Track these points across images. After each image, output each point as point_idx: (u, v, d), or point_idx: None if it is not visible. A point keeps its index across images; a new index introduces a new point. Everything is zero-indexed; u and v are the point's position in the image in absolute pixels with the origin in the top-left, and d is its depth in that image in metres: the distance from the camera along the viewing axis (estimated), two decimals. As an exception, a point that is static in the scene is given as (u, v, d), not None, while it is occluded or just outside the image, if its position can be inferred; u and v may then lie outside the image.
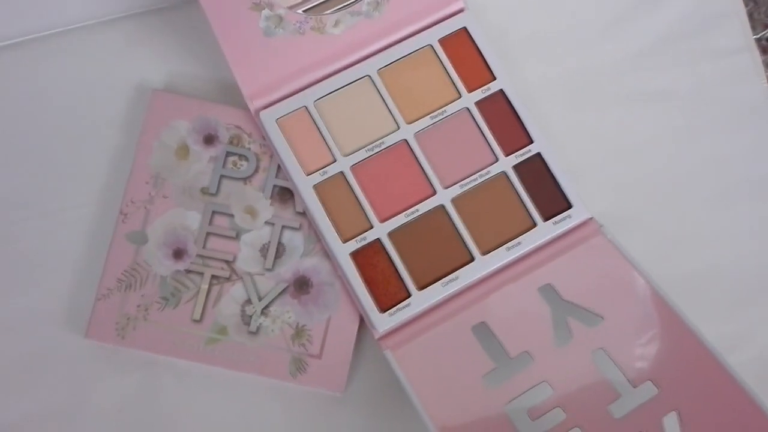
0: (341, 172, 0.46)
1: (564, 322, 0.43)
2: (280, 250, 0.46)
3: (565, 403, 0.40)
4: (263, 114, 0.46)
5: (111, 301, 0.44)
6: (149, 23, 0.49)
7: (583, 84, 0.50)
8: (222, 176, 0.46)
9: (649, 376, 0.41)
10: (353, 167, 0.46)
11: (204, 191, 0.46)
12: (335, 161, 0.46)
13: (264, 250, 0.46)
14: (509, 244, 0.45)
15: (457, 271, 0.45)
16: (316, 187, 0.45)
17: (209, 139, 0.47)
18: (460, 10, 0.48)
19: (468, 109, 0.47)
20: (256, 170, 0.47)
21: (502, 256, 0.45)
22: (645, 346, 0.42)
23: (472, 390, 0.41)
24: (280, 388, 0.45)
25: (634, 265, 0.44)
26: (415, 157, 0.46)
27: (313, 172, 0.45)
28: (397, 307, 0.44)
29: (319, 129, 0.46)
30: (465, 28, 0.48)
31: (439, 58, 0.48)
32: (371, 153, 0.46)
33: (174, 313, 0.45)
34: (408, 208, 0.45)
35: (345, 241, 0.45)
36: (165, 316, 0.44)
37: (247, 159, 0.47)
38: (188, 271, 0.45)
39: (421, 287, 0.44)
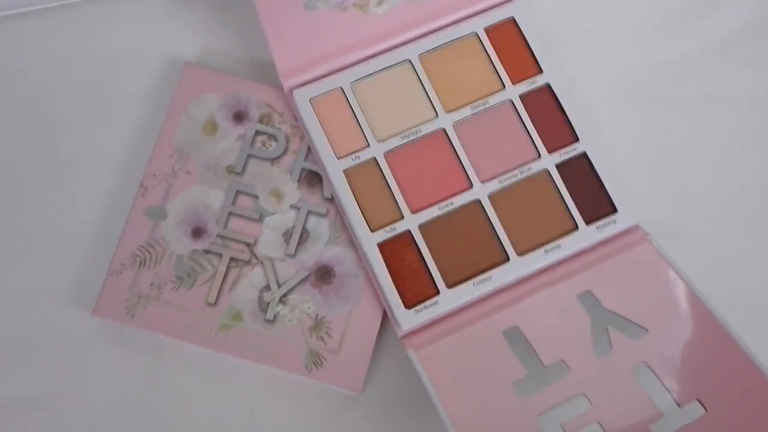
0: (374, 158, 0.43)
1: (604, 332, 0.40)
2: (304, 236, 0.43)
3: (604, 418, 0.37)
4: (297, 92, 0.44)
5: (123, 278, 0.42)
6: (186, -4, 0.48)
7: (635, 86, 0.48)
8: (249, 155, 0.44)
9: (695, 395, 0.37)
10: (387, 154, 0.43)
11: (229, 169, 0.44)
12: (368, 146, 0.43)
13: (287, 234, 0.43)
14: (548, 246, 0.42)
15: (491, 271, 0.42)
16: (346, 171, 0.43)
17: (239, 116, 0.45)
18: (509, 0, 0.46)
19: (511, 101, 0.45)
20: (285, 152, 0.44)
21: (539, 259, 0.42)
22: (692, 363, 0.38)
23: (501, 397, 0.38)
24: (294, 383, 0.42)
25: (682, 277, 0.41)
26: (453, 148, 0.44)
27: (345, 156, 0.43)
28: (423, 304, 0.41)
29: (353, 112, 0.44)
30: (513, 18, 0.46)
31: (483, 47, 0.45)
32: (407, 140, 0.44)
33: (188, 294, 0.42)
34: (442, 201, 0.43)
35: (373, 230, 0.42)
36: (178, 297, 0.42)
37: (276, 139, 0.45)
38: (206, 252, 0.43)
39: (451, 285, 0.41)
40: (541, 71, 0.45)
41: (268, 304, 0.42)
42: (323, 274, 0.43)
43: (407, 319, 0.41)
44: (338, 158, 0.43)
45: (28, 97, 0.46)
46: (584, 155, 0.44)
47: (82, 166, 0.45)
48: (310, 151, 0.44)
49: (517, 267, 0.42)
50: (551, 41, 0.47)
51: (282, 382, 0.42)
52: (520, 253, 0.42)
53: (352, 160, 0.43)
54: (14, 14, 0.47)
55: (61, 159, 0.45)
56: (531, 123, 0.44)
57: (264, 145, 0.44)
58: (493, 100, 0.44)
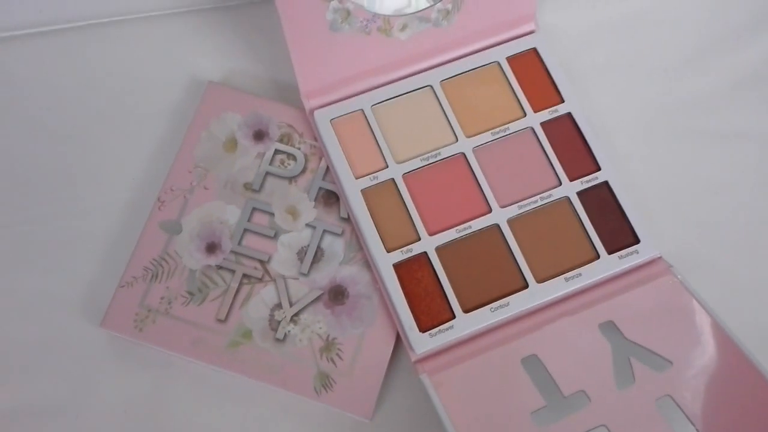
0: (392, 179, 0.43)
1: (626, 363, 0.38)
2: (319, 255, 0.42)
3: (626, 452, 0.35)
4: (318, 113, 0.44)
5: (134, 290, 0.41)
6: (213, 19, 0.49)
7: (656, 119, 0.47)
8: (267, 173, 0.44)
9: (722, 430, 0.35)
10: (405, 175, 0.43)
11: (247, 186, 0.44)
12: (387, 167, 0.43)
13: (302, 253, 0.42)
14: (568, 275, 0.41)
15: (509, 297, 0.40)
16: (364, 191, 0.43)
17: (259, 135, 0.45)
18: (531, 32, 0.47)
19: (532, 128, 0.44)
20: (304, 171, 0.44)
21: (559, 287, 0.41)
22: (717, 396, 0.37)
23: (518, 427, 0.36)
24: (302, 406, 0.41)
25: (707, 309, 0.39)
26: (472, 172, 0.43)
27: (363, 176, 0.43)
28: (438, 328, 0.40)
29: (373, 133, 0.44)
30: (535, 49, 0.46)
31: (505, 75, 0.46)
32: (426, 163, 0.43)
33: (198, 309, 0.41)
34: (460, 224, 0.42)
35: (389, 250, 0.41)
36: (188, 312, 0.41)
37: (295, 159, 0.44)
38: (219, 267, 0.42)
39: (467, 310, 0.40)
40: (562, 100, 0.45)
41: (279, 322, 0.41)
42: (336, 294, 0.42)
43: (421, 342, 0.39)
44: (356, 178, 0.43)
45: (53, 110, 0.47)
46: (606, 184, 0.43)
47: (100, 178, 0.45)
48: (328, 171, 0.44)
49: (537, 294, 0.41)
50: (572, 73, 0.47)
51: (290, 404, 0.41)
52: (539, 281, 0.41)
53: (370, 180, 0.43)
54: (46, 31, 0.48)
55: (80, 171, 0.46)
56: (552, 150, 0.44)
57: (283, 163, 0.44)
58: (514, 126, 0.44)
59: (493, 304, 0.40)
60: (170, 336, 0.41)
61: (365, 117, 0.44)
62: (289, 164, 0.44)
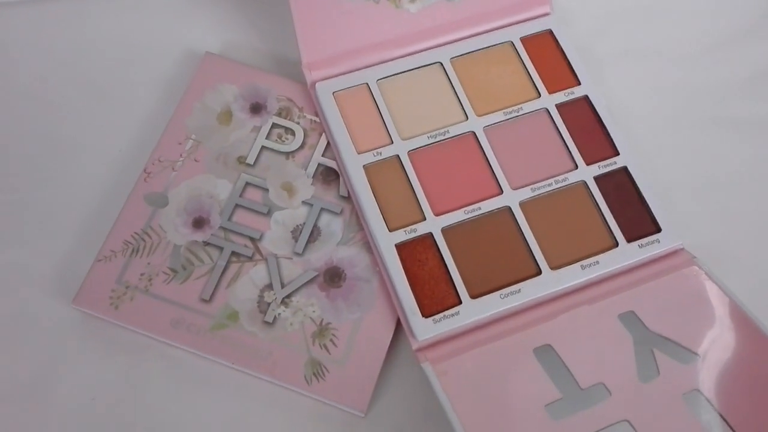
0: (397, 156, 0.40)
1: (649, 355, 0.35)
2: (315, 234, 0.39)
3: (652, 450, 0.31)
4: (320, 85, 0.41)
5: (111, 265, 0.38)
6: (214, -9, 0.47)
7: (677, 106, 0.45)
8: (263, 147, 0.41)
9: (754, 425, 0.32)
10: (411, 153, 0.40)
11: (240, 160, 0.41)
12: (392, 143, 0.40)
13: (296, 231, 0.39)
14: (585, 262, 0.38)
15: (520, 284, 0.37)
16: (366, 167, 0.40)
17: (256, 108, 0.42)
18: (546, 14, 0.45)
19: (547, 110, 0.42)
20: (302, 146, 0.41)
21: (575, 275, 0.37)
22: (748, 390, 0.33)
23: (532, 420, 0.33)
24: (290, 397, 0.37)
25: (736, 300, 0.36)
26: (483, 152, 0.40)
27: (366, 152, 0.40)
28: (443, 314, 0.36)
29: (378, 108, 0.41)
30: (550, 31, 0.44)
31: (519, 55, 0.43)
32: (433, 140, 0.40)
33: (181, 288, 0.38)
34: (468, 205, 0.39)
35: (392, 230, 0.38)
36: (170, 290, 0.38)
37: (293, 133, 0.42)
38: (206, 244, 0.39)
39: (475, 295, 0.37)
40: (578, 83, 0.43)
41: (269, 304, 0.37)
42: (332, 277, 0.38)
43: (424, 329, 0.36)
44: (359, 153, 0.40)
45: (42, 78, 0.44)
46: (625, 170, 0.40)
47: (85, 149, 0.42)
48: (328, 148, 0.41)
49: (550, 281, 0.37)
50: (589, 59, 0.45)
51: (277, 394, 0.37)
52: (554, 267, 0.38)
53: (373, 156, 0.40)
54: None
55: (64, 141, 0.43)
56: (568, 133, 0.41)
57: (280, 138, 0.41)
58: (528, 107, 0.42)
59: (503, 290, 0.37)
60: (148, 315, 0.37)
61: (370, 91, 0.42)
62: (287, 139, 0.41)
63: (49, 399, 0.37)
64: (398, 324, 0.37)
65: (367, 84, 0.42)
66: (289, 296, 0.38)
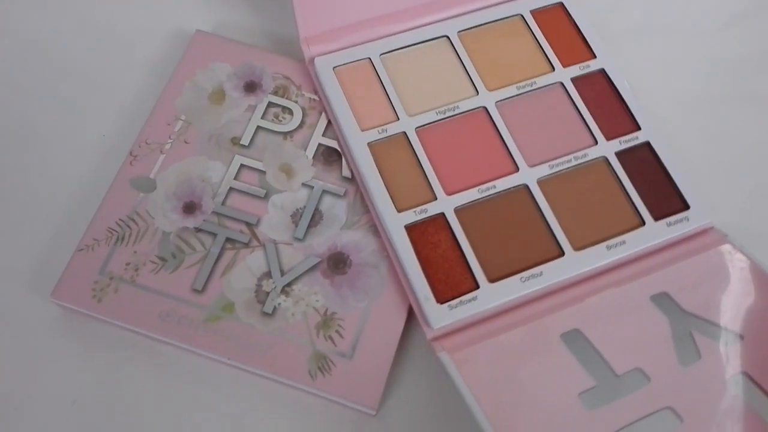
0: (404, 133, 0.37)
1: (688, 337, 0.31)
2: (317, 218, 0.36)
3: (700, 439, 0.28)
4: (319, 60, 0.39)
5: (94, 255, 0.35)
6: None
7: (699, 80, 0.42)
8: (259, 128, 0.38)
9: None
10: (419, 129, 0.37)
11: (234, 141, 0.38)
12: (398, 120, 0.37)
13: (296, 215, 0.36)
14: (610, 242, 0.35)
15: (541, 266, 0.34)
16: (371, 145, 0.37)
17: (251, 87, 0.39)
18: (556, -13, 0.42)
19: (562, 84, 0.39)
20: (301, 126, 0.38)
21: (601, 256, 0.35)
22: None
23: (564, 412, 0.29)
24: (292, 395, 0.33)
25: (778, 279, 0.33)
26: (496, 128, 0.38)
27: (370, 129, 0.37)
28: (459, 299, 0.33)
29: (382, 84, 0.38)
30: (561, 3, 0.42)
31: (530, 28, 0.41)
32: (442, 117, 0.38)
33: (171, 278, 0.34)
34: (482, 184, 0.36)
35: (401, 210, 0.35)
36: (158, 281, 0.34)
37: (291, 113, 0.39)
38: (198, 230, 0.36)
39: (493, 279, 0.34)
40: (594, 56, 0.40)
41: (268, 294, 0.34)
42: (337, 263, 0.35)
43: (439, 316, 0.33)
44: (362, 130, 0.37)
45: (21, 59, 0.41)
46: (647, 145, 0.38)
47: (67, 133, 0.39)
48: (329, 127, 0.38)
49: (574, 263, 0.34)
50: (605, 34, 0.42)
51: (278, 392, 0.33)
52: (577, 248, 0.35)
53: (379, 133, 0.37)
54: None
55: (45, 125, 0.40)
56: (585, 108, 0.38)
57: (277, 117, 0.39)
58: (542, 81, 0.39)
59: (523, 273, 0.34)
60: (135, 308, 0.34)
61: (373, 66, 0.39)
62: (284, 118, 0.39)
63: (25, 403, 0.33)
64: (410, 312, 0.34)
65: (370, 59, 0.39)
66: (289, 285, 0.34)
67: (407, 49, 0.40)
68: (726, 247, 0.35)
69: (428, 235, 0.35)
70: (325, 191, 0.37)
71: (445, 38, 0.40)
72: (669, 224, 0.36)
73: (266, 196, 0.36)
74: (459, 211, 0.35)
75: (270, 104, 0.39)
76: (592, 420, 0.29)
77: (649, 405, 0.29)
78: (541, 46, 0.40)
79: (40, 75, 0.41)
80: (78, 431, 0.32)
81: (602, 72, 0.40)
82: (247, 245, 0.35)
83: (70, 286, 0.34)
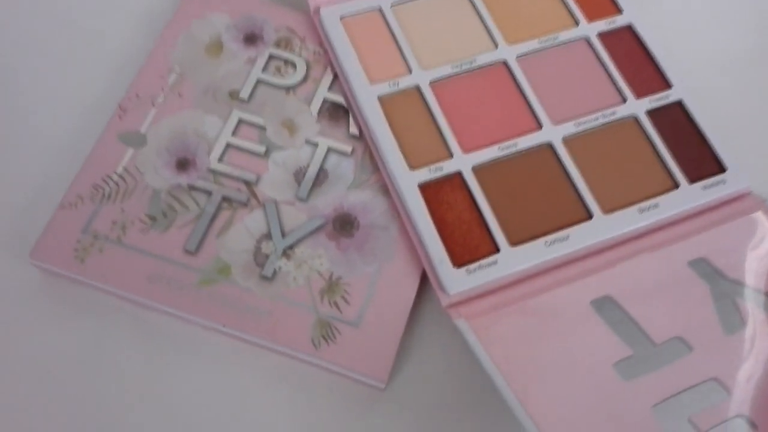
0: (417, 87, 0.34)
1: (731, 304, 0.29)
2: (321, 177, 0.33)
3: (751, 412, 0.25)
4: (325, 10, 0.36)
5: (77, 213, 0.32)
6: None
7: (747, 35, 0.39)
8: (259, 81, 0.35)
9: None
10: (434, 83, 0.34)
11: (233, 95, 0.35)
12: (411, 73, 0.35)
13: (299, 174, 0.33)
14: (643, 205, 0.32)
15: (568, 230, 0.31)
16: (381, 98, 0.34)
17: (251, 38, 0.36)
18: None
19: (587, 39, 0.36)
20: (305, 80, 0.35)
21: (632, 219, 0.32)
22: None
23: (598, 383, 0.26)
24: (294, 366, 0.30)
25: (828, 246, 0.30)
26: (516, 83, 0.35)
27: (381, 82, 0.34)
28: (478, 263, 0.30)
29: (394, 35, 0.36)
30: (584, -43, 0.39)
31: (551, -18, 0.38)
32: (458, 70, 0.35)
33: (161, 237, 0.31)
34: (502, 141, 0.33)
35: (414, 167, 0.32)
36: (147, 241, 0.31)
37: (294, 66, 0.36)
38: (192, 188, 0.33)
39: (515, 243, 0.31)
40: (620, 11, 0.37)
41: (267, 256, 0.31)
42: (343, 224, 0.32)
43: (456, 280, 0.30)
44: (372, 83, 0.34)
45: (13, 8, 0.38)
46: (680, 104, 0.35)
47: (52, 86, 0.36)
48: (335, 82, 0.35)
49: (604, 227, 0.31)
50: None
51: (278, 363, 0.30)
52: (606, 211, 0.32)
53: (390, 86, 0.34)
54: None
55: (29, 78, 0.37)
56: (612, 64, 0.36)
57: (279, 71, 0.36)
58: (565, 36, 0.36)
59: (548, 236, 0.31)
60: (121, 270, 0.31)
61: (383, 17, 0.36)
62: (287, 72, 0.36)
63: (5, 369, 0.30)
64: (423, 278, 0.31)
65: (381, 8, 0.36)
66: (291, 247, 0.31)
67: None
68: (764, 214, 0.32)
69: (443, 195, 0.32)
70: (330, 148, 0.34)
71: (460, -11, 0.37)
72: (705, 187, 0.33)
73: (267, 153, 0.34)
74: (477, 169, 0.32)
75: (271, 57, 0.36)
76: (630, 391, 0.26)
77: (693, 376, 0.26)
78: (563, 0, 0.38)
79: (24, 23, 0.38)
80: (58, 403, 0.29)
81: (630, 27, 0.37)
82: (245, 204, 0.32)
83: (50, 246, 0.31)
